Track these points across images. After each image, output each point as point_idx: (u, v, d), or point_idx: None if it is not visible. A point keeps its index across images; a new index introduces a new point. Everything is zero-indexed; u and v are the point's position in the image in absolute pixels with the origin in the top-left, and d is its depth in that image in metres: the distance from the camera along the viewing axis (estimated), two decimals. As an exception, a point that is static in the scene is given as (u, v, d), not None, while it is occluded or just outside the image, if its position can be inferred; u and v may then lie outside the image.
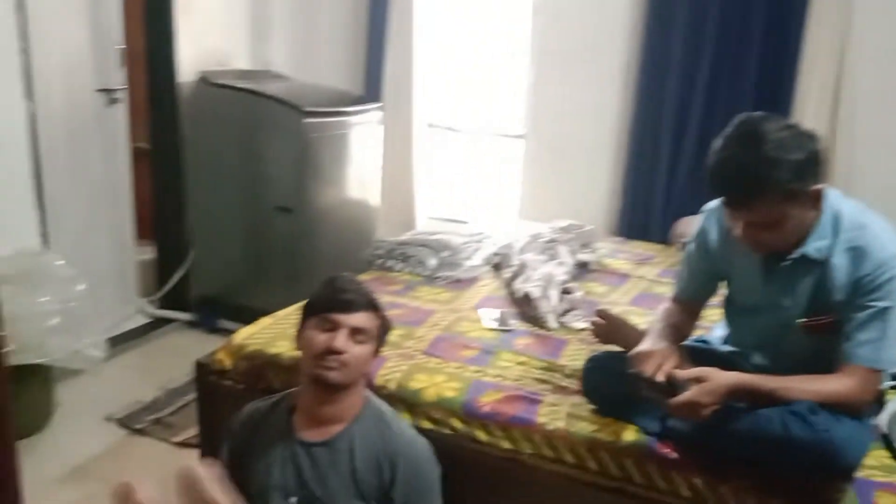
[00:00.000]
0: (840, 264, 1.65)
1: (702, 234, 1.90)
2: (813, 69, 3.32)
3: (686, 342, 2.02)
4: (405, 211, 4.33)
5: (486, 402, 1.94)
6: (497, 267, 3.04)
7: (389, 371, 2.05)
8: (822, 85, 3.33)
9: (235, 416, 1.75)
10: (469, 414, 1.92)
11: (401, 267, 2.97)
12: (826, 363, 1.68)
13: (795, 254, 1.68)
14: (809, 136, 1.59)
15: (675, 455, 1.76)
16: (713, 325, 2.13)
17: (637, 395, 1.74)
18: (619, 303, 2.81)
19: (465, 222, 3.91)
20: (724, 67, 3.55)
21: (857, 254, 1.63)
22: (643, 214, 3.83)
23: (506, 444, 1.88)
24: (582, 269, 3.13)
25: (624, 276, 3.14)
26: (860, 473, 1.65)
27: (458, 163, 4.53)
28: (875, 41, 3.28)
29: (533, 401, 1.95)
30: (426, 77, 4.22)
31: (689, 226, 3.61)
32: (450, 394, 1.97)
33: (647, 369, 1.68)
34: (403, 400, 1.98)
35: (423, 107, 4.25)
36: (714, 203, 1.88)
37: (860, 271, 1.62)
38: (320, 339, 1.60)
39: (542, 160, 4.04)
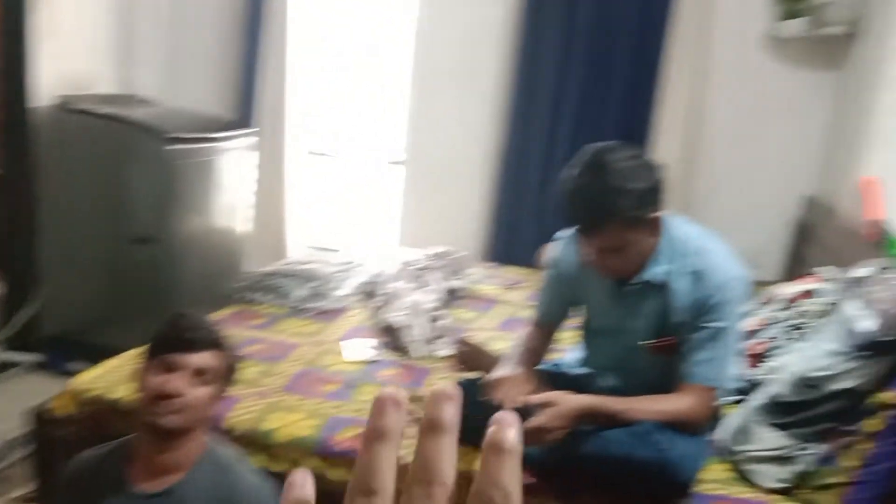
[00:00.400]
0: (680, 288, 1.72)
1: (557, 260, 1.95)
2: (673, 97, 3.49)
3: (541, 366, 2.06)
4: (277, 240, 4.23)
5: (342, 439, 1.89)
6: (368, 296, 3.00)
7: (242, 412, 1.97)
8: (682, 112, 3.50)
9: (64, 470, 1.62)
10: (323, 452, 1.87)
11: (265, 299, 2.88)
12: (669, 383, 1.74)
13: (637, 279, 1.74)
14: (651, 167, 1.67)
15: (531, 480, 1.77)
16: (567, 349, 2.17)
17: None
18: (487, 328, 2.83)
19: (336, 251, 3.86)
20: (591, 95, 3.68)
21: (697, 277, 1.71)
22: (513, 239, 3.90)
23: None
24: (453, 295, 3.14)
25: (492, 302, 3.17)
26: (698, 488, 1.71)
27: (338, 190, 4.48)
28: (731, 71, 3.50)
29: (391, 434, 1.91)
30: (302, 102, 4.16)
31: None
32: (304, 433, 1.91)
33: (498, 396, 1.69)
34: (255, 442, 1.90)
35: (298, 132, 4.18)
36: (561, 234, 1.94)
37: (699, 294, 1.70)
38: (155, 381, 1.51)
39: (421, 186, 4.05)
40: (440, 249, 3.31)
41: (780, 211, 3.50)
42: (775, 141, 3.52)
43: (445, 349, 2.50)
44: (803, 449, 1.75)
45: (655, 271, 1.73)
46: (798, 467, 1.74)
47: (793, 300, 2.44)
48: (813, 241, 3.11)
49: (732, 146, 3.57)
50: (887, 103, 2.73)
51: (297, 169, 4.21)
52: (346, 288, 3.01)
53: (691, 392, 1.69)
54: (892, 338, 1.65)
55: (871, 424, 1.62)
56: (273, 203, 4.16)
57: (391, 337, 2.55)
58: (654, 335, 1.79)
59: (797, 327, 2.29)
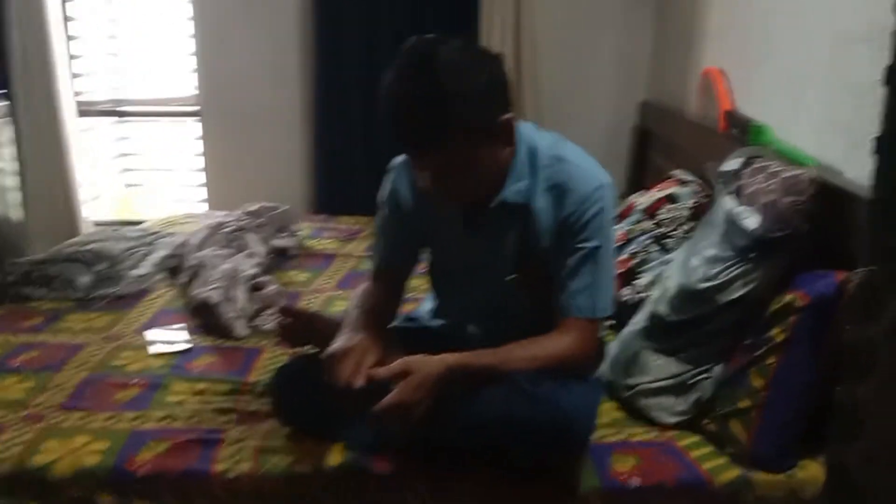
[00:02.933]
0: (542, 207, 1.41)
1: (391, 195, 1.58)
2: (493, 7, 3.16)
3: (395, 323, 1.71)
4: (65, 221, 3.55)
5: (145, 460, 1.44)
6: (174, 272, 2.50)
7: (1, 448, 1.46)
8: (508, 26, 3.18)
9: None
10: (120, 483, 1.41)
11: (42, 293, 2.30)
12: (546, 322, 1.44)
13: (494, 202, 1.41)
14: (491, 58, 1.32)
15: (392, 469, 1.42)
16: (423, 298, 1.82)
17: (340, 406, 1.38)
18: (324, 289, 2.44)
19: (140, 222, 3.26)
20: (409, 11, 3.27)
21: (559, 192, 1.41)
22: (345, 185, 3.48)
23: (180, 510, 1.41)
24: (281, 256, 2.70)
25: (330, 258, 2.77)
26: (594, 437, 1.44)
27: (129, 152, 3.83)
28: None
29: (210, 443, 1.49)
30: (73, 53, 3.47)
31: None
32: (92, 460, 1.44)
33: (342, 374, 1.31)
34: (25, 484, 1.41)
35: (71, 89, 3.48)
36: (398, 159, 1.56)
37: (563, 211, 1.40)
38: None
39: (223, 139, 3.50)
40: (255, 207, 2.83)
41: (618, 119, 3.32)
42: (605, 48, 3.31)
43: (274, 322, 2.07)
44: (699, 374, 1.52)
45: (514, 190, 1.41)
46: (696, 395, 1.51)
47: (651, 209, 2.22)
48: (657, 146, 2.95)
49: (561, 56, 3.32)
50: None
51: (77, 134, 3.53)
52: (145, 266, 2.48)
53: (571, 327, 1.40)
54: (780, 233, 1.43)
55: (776, 333, 1.39)
56: (52, 178, 3.46)
57: (206, 317, 2.09)
58: (517, 267, 1.47)
59: (662, 237, 2.08)
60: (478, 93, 1.26)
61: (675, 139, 2.71)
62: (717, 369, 1.51)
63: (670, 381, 1.54)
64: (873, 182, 1.10)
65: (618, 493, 1.38)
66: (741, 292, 1.48)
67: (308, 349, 1.65)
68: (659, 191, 2.31)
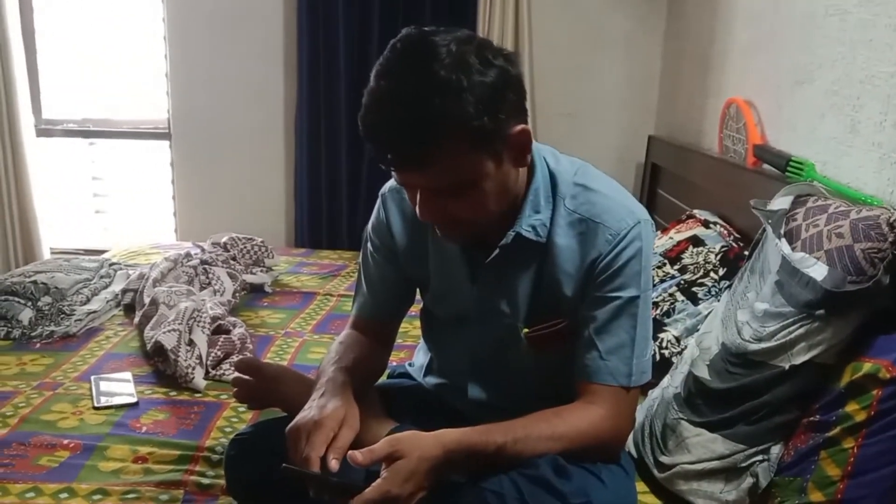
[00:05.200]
0: (565, 245, 1.14)
1: (380, 227, 1.30)
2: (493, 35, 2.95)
3: (384, 381, 1.43)
4: (24, 248, 3.26)
5: (62, 551, 1.14)
6: (129, 309, 2.21)
7: None
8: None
9: None
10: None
11: (-26, 330, 2.00)
12: (563, 383, 1.16)
13: (506, 237, 1.14)
14: (503, 53, 1.04)
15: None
16: (416, 349, 1.54)
17: (306, 491, 1.08)
18: (300, 333, 2.15)
19: (104, 252, 2.96)
20: (396, 31, 3.05)
21: (586, 228, 1.13)
22: (329, 217, 3.22)
23: None
24: (253, 294, 2.42)
25: (308, 296, 2.49)
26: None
27: (96, 175, 3.55)
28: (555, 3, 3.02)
29: (148, 529, 1.20)
30: (36, 70, 3.23)
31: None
32: (-6, 552, 1.14)
33: (310, 453, 1.02)
34: None
35: (31, 108, 3.23)
36: (392, 184, 1.29)
37: (592, 251, 1.12)
38: None
39: (196, 164, 3.24)
40: (224, 238, 2.56)
41: (625, 154, 3.10)
42: (610, 77, 3.10)
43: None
44: (754, 455, 1.24)
45: (532, 222, 1.14)
46: (751, 481, 1.23)
47: (673, 252, 1.98)
48: (668, 184, 2.72)
49: (562, 85, 3.10)
50: (737, 15, 2.34)
51: (37, 154, 3.26)
52: (97, 301, 2.19)
53: (602, 397, 1.12)
54: (856, 286, 1.18)
55: (854, 411, 1.13)
56: (8, 200, 3.18)
57: (161, 362, 1.80)
58: (532, 319, 1.19)
59: (689, 285, 1.83)
60: (483, 90, 0.98)
61: (690, 176, 2.48)
62: (776, 451, 1.23)
63: (718, 463, 1.26)
64: None
65: None
66: (805, 356, 1.21)
67: (273, 411, 1.36)
68: (679, 233, 2.07)
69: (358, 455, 0.99)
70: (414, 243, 1.27)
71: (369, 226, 1.34)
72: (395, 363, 1.49)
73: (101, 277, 2.34)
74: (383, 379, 1.47)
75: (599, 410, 1.11)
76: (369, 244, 1.33)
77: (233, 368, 1.80)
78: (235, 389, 1.30)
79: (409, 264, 1.30)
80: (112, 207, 3.58)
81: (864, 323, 1.20)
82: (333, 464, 1.01)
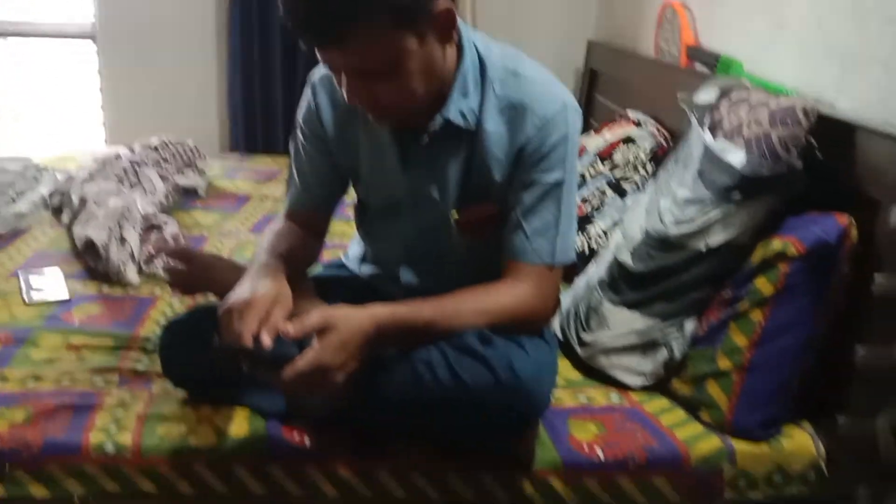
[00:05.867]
0: (494, 130, 1.16)
1: (309, 115, 1.29)
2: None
3: (319, 272, 1.45)
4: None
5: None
6: (58, 210, 2.15)
7: None
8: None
9: None
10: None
11: None
12: (493, 269, 1.20)
13: (435, 122, 1.14)
14: None
15: (309, 442, 1.17)
16: (349, 243, 1.56)
17: (241, 368, 1.11)
18: (236, 233, 2.14)
19: (26, 158, 2.84)
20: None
21: (515, 113, 1.15)
22: (263, 122, 3.14)
23: (40, 493, 1.13)
24: (185, 196, 2.38)
25: (242, 199, 2.46)
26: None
27: (15, 76, 3.37)
28: None
29: (82, 409, 1.21)
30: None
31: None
32: (-76, 434, 1.14)
33: (243, 331, 1.03)
34: None
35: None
36: (322, 72, 1.27)
37: (520, 136, 1.14)
38: None
39: (123, 65, 3.09)
40: (157, 141, 2.49)
41: (563, 59, 3.08)
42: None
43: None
44: (669, 329, 1.32)
45: (459, 108, 1.15)
46: (666, 353, 1.31)
47: (605, 152, 2.01)
48: (607, 88, 2.74)
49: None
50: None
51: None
52: (24, 203, 2.12)
53: (527, 275, 1.16)
54: (772, 171, 1.23)
55: (762, 285, 1.20)
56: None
57: (92, 260, 1.77)
58: (462, 203, 1.22)
59: (618, 182, 1.87)
60: None
61: (628, 79, 2.50)
62: (690, 324, 1.31)
63: (635, 338, 1.33)
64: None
65: (579, 467, 1.17)
66: (721, 238, 1.27)
67: (206, 298, 1.38)
68: (612, 132, 2.10)
69: (289, 327, 1.02)
70: (344, 131, 1.27)
71: (299, 115, 1.32)
72: (325, 260, 1.50)
73: (27, 180, 2.26)
74: (318, 270, 1.49)
75: (525, 287, 1.16)
76: (300, 134, 1.32)
77: (167, 261, 1.79)
78: (169, 278, 1.31)
79: (340, 153, 1.30)
80: (32, 113, 3.43)
81: (779, 207, 1.27)
82: (266, 339, 1.03)
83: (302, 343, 1.06)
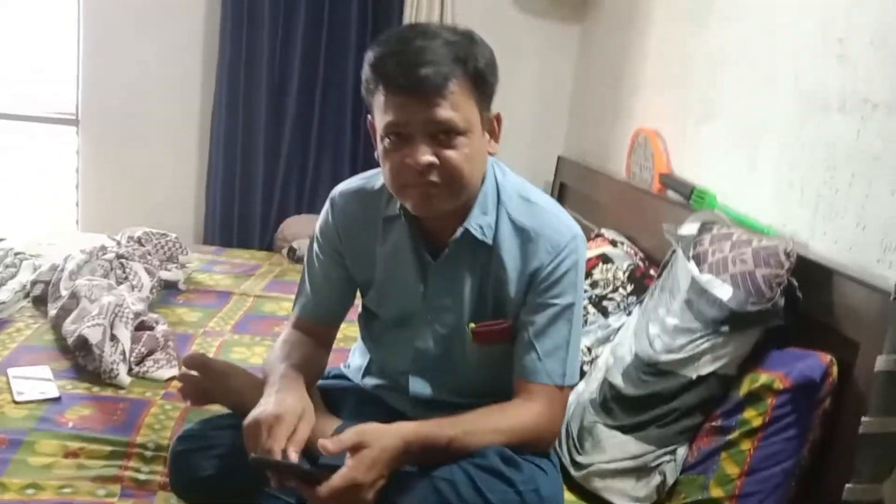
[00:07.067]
0: (509, 250, 1.25)
1: (328, 228, 1.36)
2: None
3: (320, 381, 1.48)
4: None
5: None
6: (40, 300, 2.13)
7: None
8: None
9: None
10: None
11: None
12: (501, 384, 1.27)
13: (457, 233, 1.24)
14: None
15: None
16: (351, 350, 1.60)
17: (264, 481, 1.13)
18: (220, 332, 2.15)
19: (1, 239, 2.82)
20: (323, 22, 3.09)
21: (528, 237, 1.24)
22: (241, 216, 3.20)
23: None
24: (169, 291, 2.39)
25: (223, 295, 2.48)
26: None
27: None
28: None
29: (89, 523, 1.20)
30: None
31: (299, 226, 3.13)
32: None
33: (275, 447, 1.07)
34: None
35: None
36: (342, 187, 1.36)
37: (534, 260, 1.24)
38: None
39: (104, 152, 3.14)
40: (140, 232, 2.51)
41: (532, 172, 3.24)
42: (520, 98, 3.24)
43: (165, 368, 1.79)
44: (662, 455, 1.39)
45: (481, 222, 1.24)
46: (659, 479, 1.38)
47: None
48: (576, 204, 2.89)
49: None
50: (649, 52, 2.55)
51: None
52: (5, 291, 2.10)
53: (539, 395, 1.23)
54: (757, 307, 1.35)
55: (752, 417, 1.29)
56: None
57: (83, 357, 1.76)
58: (478, 317, 1.28)
59: (600, 300, 1.98)
60: (490, 54, 1.18)
61: (597, 197, 2.66)
62: (682, 451, 1.39)
63: (630, 463, 1.40)
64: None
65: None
66: (710, 368, 1.37)
67: (215, 408, 1.39)
68: (588, 250, 2.22)
69: (329, 444, 1.06)
70: (361, 245, 1.34)
71: (317, 227, 1.39)
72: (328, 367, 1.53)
73: (7, 267, 2.24)
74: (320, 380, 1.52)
75: (538, 407, 1.22)
76: (315, 245, 1.39)
77: (157, 365, 1.80)
78: (181, 386, 1.33)
79: (355, 265, 1.36)
80: (7, 194, 3.40)
81: (761, 340, 1.38)
82: (294, 456, 1.07)
83: (314, 456, 1.09)
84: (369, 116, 1.22)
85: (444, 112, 1.11)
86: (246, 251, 3.08)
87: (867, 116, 1.42)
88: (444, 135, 1.13)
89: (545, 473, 1.17)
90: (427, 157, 1.13)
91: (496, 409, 1.22)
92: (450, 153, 1.14)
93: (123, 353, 1.76)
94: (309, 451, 1.11)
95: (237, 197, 3.18)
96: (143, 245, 2.47)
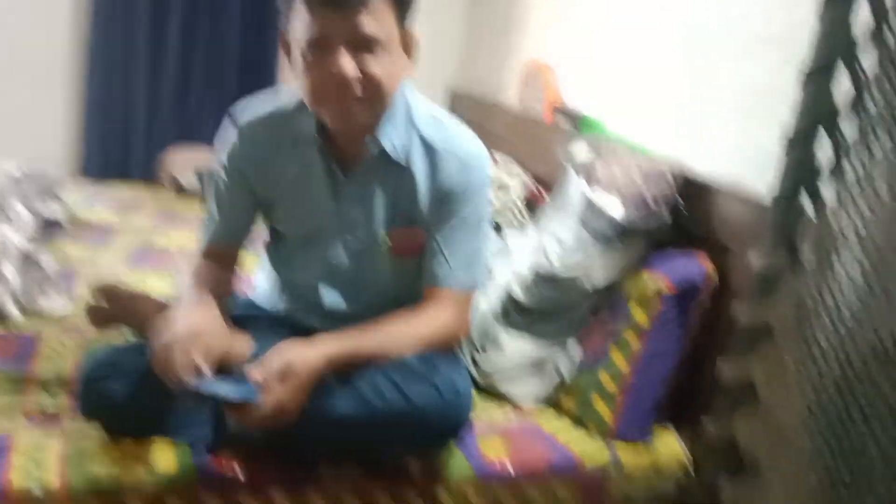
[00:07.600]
0: (420, 167, 1.31)
1: (235, 158, 1.36)
2: None
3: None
4: None
5: None
6: None
7: None
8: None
9: None
10: None
11: None
12: (409, 292, 1.34)
13: (371, 149, 1.28)
14: None
15: (241, 471, 1.22)
16: (255, 279, 1.61)
17: (177, 401, 1.15)
18: (112, 267, 2.08)
19: None
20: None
21: (438, 155, 1.30)
22: (119, 148, 3.03)
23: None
24: (50, 227, 2.27)
25: (108, 231, 2.38)
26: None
27: None
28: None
29: (-3, 450, 1.17)
30: None
31: (183, 157, 3.01)
32: None
33: (185, 364, 1.08)
34: None
35: None
36: (249, 117, 1.36)
37: (443, 175, 1.30)
38: None
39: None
40: (14, 167, 2.36)
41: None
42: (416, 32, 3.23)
43: (56, 302, 1.73)
44: (554, 346, 1.51)
45: (391, 139, 1.28)
46: (557, 376, 1.49)
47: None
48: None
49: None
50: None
51: None
52: None
53: (449, 301, 1.30)
54: (644, 223, 1.46)
55: (640, 317, 1.41)
56: None
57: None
58: (390, 229, 1.34)
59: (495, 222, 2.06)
60: None
61: (493, 128, 2.72)
62: (576, 348, 1.51)
63: (528, 360, 1.51)
64: (779, 180, 1.16)
65: (492, 479, 1.32)
66: (603, 277, 1.49)
67: (120, 331, 1.37)
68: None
69: (255, 372, 1.09)
70: (270, 170, 1.35)
71: (224, 157, 1.39)
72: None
73: None
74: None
75: (449, 312, 1.30)
76: (222, 174, 1.39)
77: (49, 301, 1.73)
78: (89, 313, 1.30)
79: (263, 189, 1.37)
80: None
81: (649, 250, 1.51)
82: (207, 371, 1.09)
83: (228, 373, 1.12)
84: (282, 32, 1.22)
85: (367, 22, 1.13)
86: (126, 184, 2.96)
87: (749, 49, 1.55)
88: (366, 48, 1.15)
89: (459, 373, 1.25)
90: (350, 67, 1.15)
91: (411, 316, 1.28)
92: (372, 67, 1.16)
93: (11, 289, 1.68)
94: (222, 368, 1.13)
95: (117, 127, 3.01)
96: (18, 182, 2.32)
